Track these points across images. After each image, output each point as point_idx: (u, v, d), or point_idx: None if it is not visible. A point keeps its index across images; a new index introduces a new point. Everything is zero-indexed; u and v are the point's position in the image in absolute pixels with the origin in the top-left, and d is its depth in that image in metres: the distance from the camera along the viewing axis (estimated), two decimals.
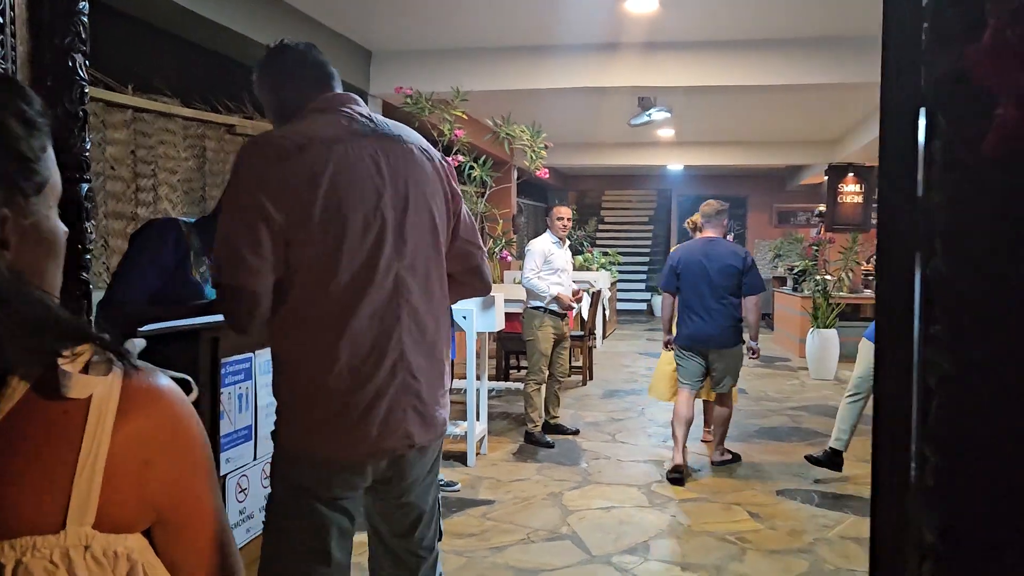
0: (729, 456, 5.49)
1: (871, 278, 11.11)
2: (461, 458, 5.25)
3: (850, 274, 10.32)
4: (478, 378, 5.40)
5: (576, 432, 6.16)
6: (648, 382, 8.64)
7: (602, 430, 6.35)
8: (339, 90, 1.86)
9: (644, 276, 16.98)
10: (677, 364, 5.26)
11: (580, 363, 8.35)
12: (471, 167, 5.40)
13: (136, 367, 0.78)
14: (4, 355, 0.70)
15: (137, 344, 0.95)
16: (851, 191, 11.95)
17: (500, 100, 6.22)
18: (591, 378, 8.52)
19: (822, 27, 5.92)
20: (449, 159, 2.18)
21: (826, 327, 9.00)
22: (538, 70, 6.50)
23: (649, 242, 17.45)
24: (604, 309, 11.15)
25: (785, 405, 7.48)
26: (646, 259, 17.18)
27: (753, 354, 5.30)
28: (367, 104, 6.76)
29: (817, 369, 9.06)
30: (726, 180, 16.26)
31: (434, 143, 5.50)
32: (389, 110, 6.73)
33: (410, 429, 1.75)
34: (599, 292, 9.04)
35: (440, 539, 2.00)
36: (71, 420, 0.73)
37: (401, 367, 1.73)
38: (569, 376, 6.95)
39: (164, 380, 0.81)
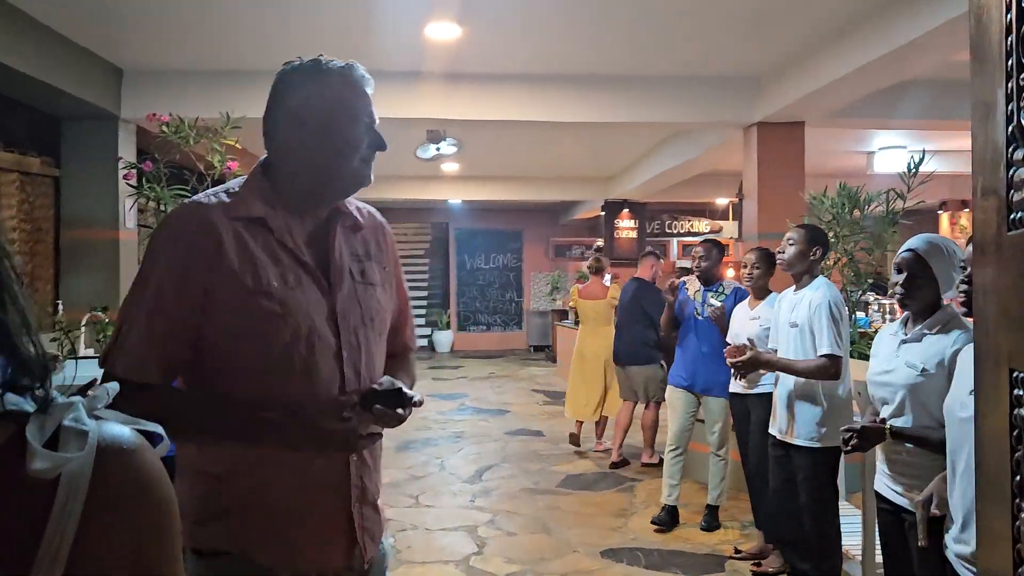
0: (658, 459, 6.06)
1: None
2: None
3: None
4: None
5: None
6: (440, 426, 8.21)
7: (403, 492, 5.76)
8: None
9: (423, 311, 16.56)
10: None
11: None
12: None
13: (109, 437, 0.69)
14: None
15: (110, 390, 0.76)
16: (627, 226, 12.36)
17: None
18: None
19: (618, 67, 5.86)
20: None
21: None
22: None
23: (426, 276, 17.07)
24: None
25: (585, 447, 7.31)
26: (424, 293, 16.77)
27: None
28: (118, 130, 5.85)
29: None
30: (504, 214, 16.33)
31: (201, 178, 4.71)
32: (146, 138, 5.77)
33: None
34: None
35: None
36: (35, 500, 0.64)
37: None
38: None
39: (136, 441, 0.71)
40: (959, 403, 1.95)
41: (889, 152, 9.05)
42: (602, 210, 12.50)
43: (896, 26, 4.39)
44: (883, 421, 2.50)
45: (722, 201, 14.38)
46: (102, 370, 1.46)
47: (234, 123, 4.76)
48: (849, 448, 2.48)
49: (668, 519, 4.88)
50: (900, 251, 2.50)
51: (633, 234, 12.42)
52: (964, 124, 5.59)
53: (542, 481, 6.05)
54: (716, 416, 4.80)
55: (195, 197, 1.57)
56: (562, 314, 14.14)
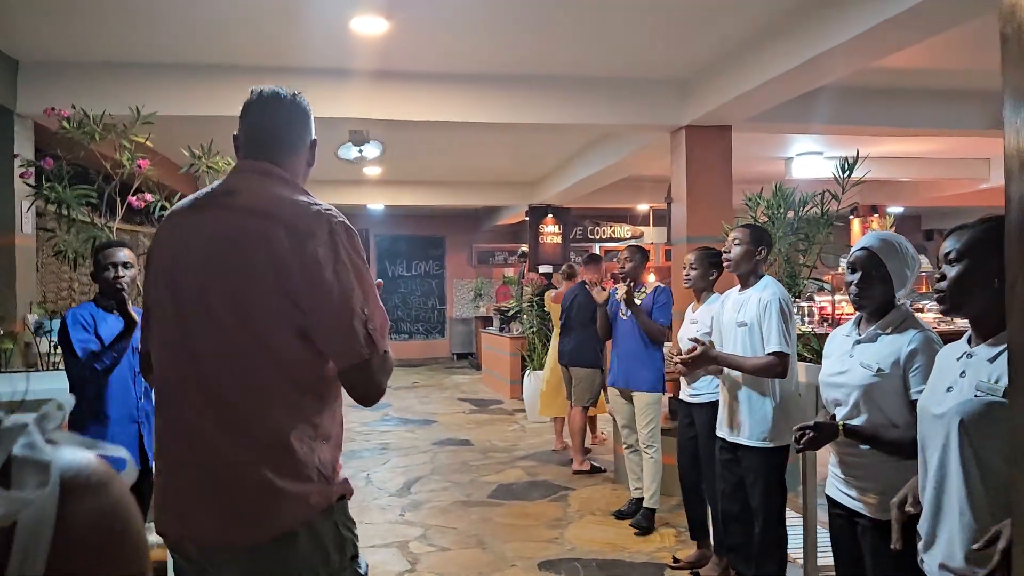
0: (589, 467, 6.37)
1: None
2: None
3: None
4: None
5: None
6: (364, 438, 7.94)
7: None
8: (252, 158, 1.81)
9: None
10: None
11: None
12: (162, 207, 4.32)
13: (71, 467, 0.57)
14: None
15: (66, 403, 0.63)
16: (551, 231, 12.31)
17: (199, 126, 5.20)
18: None
19: (546, 67, 5.76)
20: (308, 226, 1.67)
21: (541, 368, 8.94)
22: (243, 96, 5.56)
23: None
24: None
25: (514, 455, 7.18)
26: None
27: None
28: (14, 126, 5.41)
29: (535, 410, 8.97)
30: (425, 220, 16.11)
31: (108, 178, 4.37)
32: (45, 135, 5.36)
33: (197, 520, 1.60)
34: None
35: None
36: None
37: (191, 451, 1.62)
38: None
39: (104, 472, 0.61)
40: (935, 400, 1.88)
41: (806, 158, 9.26)
42: (526, 215, 12.42)
43: (823, 30, 4.42)
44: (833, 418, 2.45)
45: (643, 207, 14.52)
46: (383, 352, 1.64)
47: (144, 119, 4.45)
48: (801, 446, 2.41)
49: (634, 511, 5.04)
50: (853, 249, 2.44)
51: (557, 239, 12.38)
52: (876, 130, 5.72)
53: (474, 492, 5.88)
54: (642, 411, 4.86)
55: (314, 199, 1.74)
56: (486, 320, 14.01)
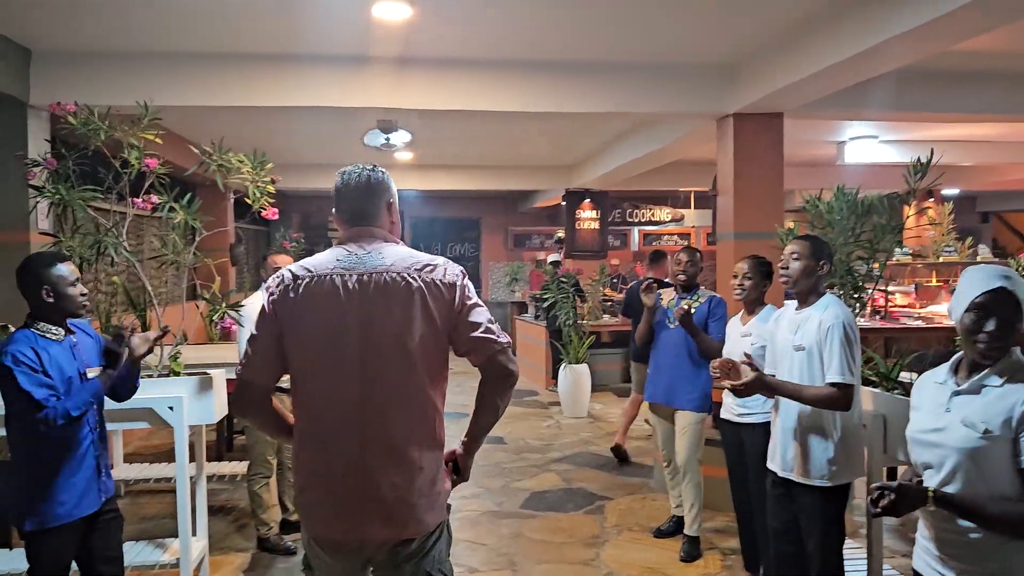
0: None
1: (610, 303, 11.07)
2: None
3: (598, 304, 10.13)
4: (193, 488, 4.09)
5: None
6: None
7: None
8: (359, 227, 2.18)
9: None
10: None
11: None
12: (171, 208, 4.05)
13: None
14: None
15: None
16: (588, 217, 11.92)
17: (206, 117, 4.95)
18: None
19: (585, 53, 5.39)
20: (447, 274, 2.14)
21: (578, 362, 8.63)
22: (263, 85, 5.29)
23: None
24: None
25: (549, 456, 6.89)
26: None
27: None
28: (27, 118, 5.19)
29: (570, 406, 8.68)
30: (460, 202, 15.81)
31: (118, 176, 4.11)
32: (62, 125, 5.14)
33: (367, 525, 2.02)
34: None
35: None
36: None
37: (358, 466, 2.02)
38: None
39: None
40: None
41: (860, 142, 8.74)
42: (563, 200, 12.03)
43: (891, 15, 3.99)
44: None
45: (684, 190, 14.05)
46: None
47: (153, 114, 4.19)
48: (879, 510, 2.03)
49: (674, 530, 4.76)
50: (978, 290, 1.99)
51: (595, 225, 11.98)
52: (940, 117, 5.20)
53: (506, 501, 5.61)
54: (684, 431, 4.47)
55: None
56: (521, 307, 13.70)
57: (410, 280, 2.04)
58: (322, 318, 2.02)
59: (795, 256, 3.06)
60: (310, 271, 2.08)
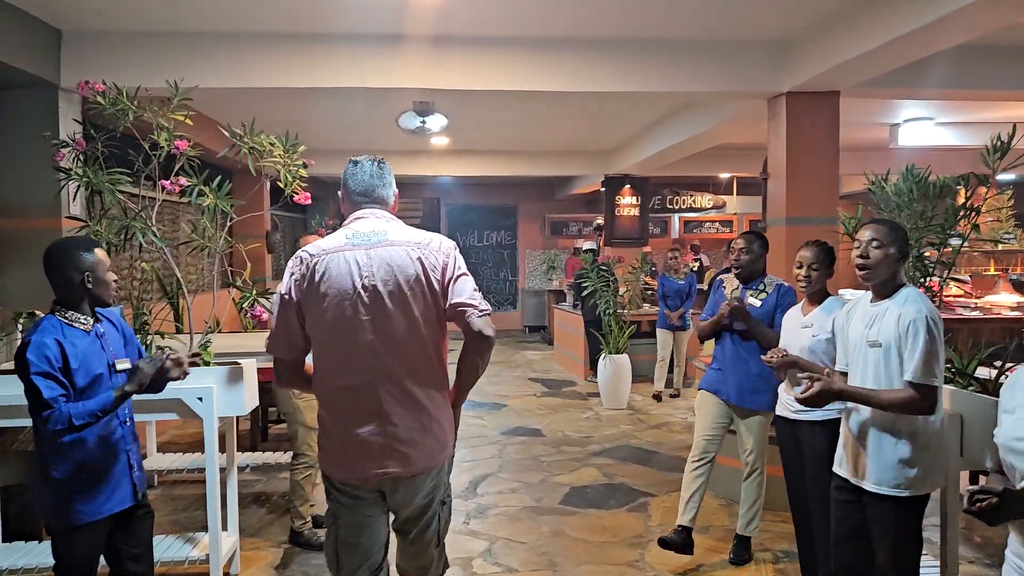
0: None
1: (651, 292, 10.80)
2: None
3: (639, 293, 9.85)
4: (224, 481, 3.97)
5: None
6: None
7: None
8: (366, 208, 2.51)
9: None
10: None
11: None
12: (200, 192, 3.91)
13: None
14: None
15: None
16: (628, 203, 11.64)
17: (238, 101, 4.80)
18: None
19: (627, 30, 5.14)
20: (441, 247, 2.45)
21: (618, 352, 8.40)
22: (295, 65, 5.12)
23: None
24: None
25: (589, 450, 6.69)
26: None
27: None
28: (58, 100, 5.10)
29: (610, 397, 8.45)
30: (496, 188, 15.60)
31: (147, 158, 3.98)
32: (90, 107, 5.04)
33: (387, 462, 2.35)
34: None
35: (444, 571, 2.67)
36: None
37: (375, 410, 2.35)
38: None
39: None
40: None
41: (915, 124, 8.37)
42: (602, 186, 11.75)
43: None
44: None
45: (725, 175, 13.70)
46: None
47: (183, 94, 4.05)
48: (976, 513, 1.79)
49: (680, 541, 4.13)
50: None
51: (635, 211, 11.69)
52: (1008, 95, 4.81)
53: (545, 496, 5.42)
54: (753, 430, 4.13)
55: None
56: (558, 295, 13.48)
57: (409, 251, 2.37)
58: (335, 289, 2.32)
59: (875, 244, 2.74)
60: (325, 250, 2.38)
